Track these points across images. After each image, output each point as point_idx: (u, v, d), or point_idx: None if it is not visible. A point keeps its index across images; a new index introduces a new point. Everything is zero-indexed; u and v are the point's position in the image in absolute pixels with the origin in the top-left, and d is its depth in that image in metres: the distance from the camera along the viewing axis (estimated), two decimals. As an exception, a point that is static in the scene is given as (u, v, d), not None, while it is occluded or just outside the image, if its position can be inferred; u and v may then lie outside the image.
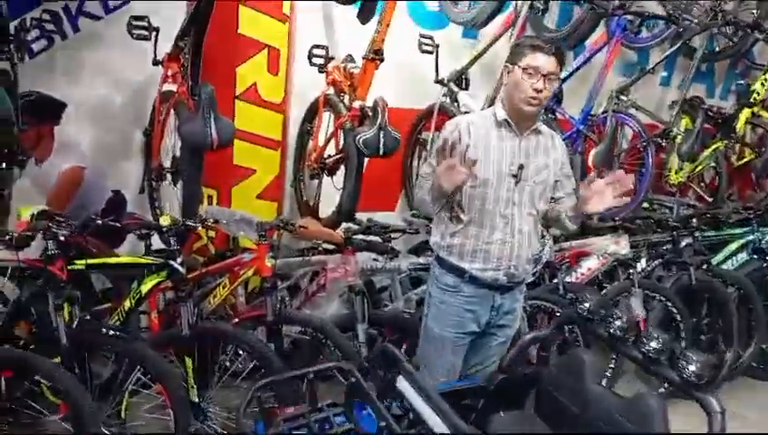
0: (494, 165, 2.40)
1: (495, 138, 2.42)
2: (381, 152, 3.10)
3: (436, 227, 2.58)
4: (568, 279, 3.76)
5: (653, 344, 1.96)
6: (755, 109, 4.54)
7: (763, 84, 4.46)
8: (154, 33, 3.17)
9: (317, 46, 3.58)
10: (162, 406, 2.59)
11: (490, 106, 3.75)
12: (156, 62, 3.26)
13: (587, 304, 2.23)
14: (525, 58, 2.36)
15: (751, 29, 4.31)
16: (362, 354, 2.90)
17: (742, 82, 5.20)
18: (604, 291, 3.87)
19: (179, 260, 2.71)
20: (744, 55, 5.04)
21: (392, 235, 3.43)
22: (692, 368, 1.83)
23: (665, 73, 5.30)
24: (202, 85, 2.83)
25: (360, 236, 3.26)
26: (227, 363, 2.86)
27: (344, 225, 3.38)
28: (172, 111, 3.12)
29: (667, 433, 1.84)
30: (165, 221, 2.54)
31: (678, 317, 3.79)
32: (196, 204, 3.12)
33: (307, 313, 3.11)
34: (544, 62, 2.33)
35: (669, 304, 3.80)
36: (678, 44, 4.31)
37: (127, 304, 2.76)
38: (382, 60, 3.26)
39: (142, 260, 2.72)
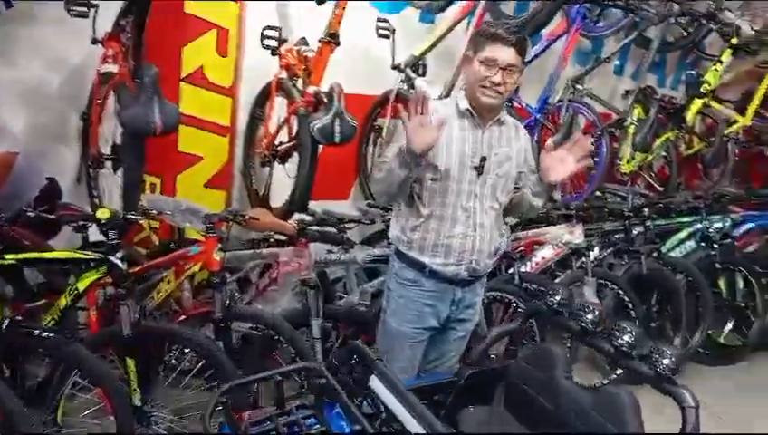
0: (456, 156, 2.31)
1: (458, 128, 2.33)
2: (337, 140, 2.98)
3: (396, 220, 2.49)
4: (523, 269, 3.74)
5: (626, 338, 1.93)
6: (706, 100, 4.59)
7: (713, 75, 4.52)
8: (93, 11, 2.94)
9: (269, 27, 3.41)
10: (103, 410, 2.43)
11: (448, 93, 3.68)
12: (95, 42, 3.03)
13: (557, 297, 2.21)
14: (484, 50, 2.26)
15: (707, 19, 4.35)
16: (317, 351, 2.80)
17: (692, 72, 5.26)
18: (557, 280, 3.87)
19: (120, 255, 2.53)
20: (696, 46, 5.10)
21: (347, 225, 3.33)
22: (666, 362, 1.81)
23: (618, 63, 5.32)
24: (145, 67, 2.64)
25: (315, 227, 3.14)
26: (173, 362, 2.71)
27: (297, 216, 3.24)
28: (112, 93, 2.92)
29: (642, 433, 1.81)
30: (103, 214, 2.36)
31: (630, 305, 3.83)
32: (138, 194, 2.95)
33: (258, 308, 2.98)
34: (503, 54, 2.23)
35: (621, 293, 3.83)
36: (635, 34, 4.32)
37: (62, 301, 2.57)
38: (338, 44, 3.13)
39: (79, 255, 2.53)
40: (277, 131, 3.45)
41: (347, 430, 1.68)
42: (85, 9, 2.90)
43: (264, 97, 3.67)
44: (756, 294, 4.34)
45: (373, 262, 3.20)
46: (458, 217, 2.34)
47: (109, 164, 3.17)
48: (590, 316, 2.08)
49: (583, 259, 3.76)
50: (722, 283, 4.34)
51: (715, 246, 4.35)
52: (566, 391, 2.07)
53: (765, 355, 4.47)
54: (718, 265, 4.32)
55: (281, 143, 3.51)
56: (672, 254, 4.44)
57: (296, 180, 3.22)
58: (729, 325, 4.39)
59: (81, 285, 2.54)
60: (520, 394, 2.24)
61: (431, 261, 2.38)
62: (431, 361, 2.57)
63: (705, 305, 4.14)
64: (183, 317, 2.85)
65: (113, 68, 2.96)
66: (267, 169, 3.66)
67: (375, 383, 1.81)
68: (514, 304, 3.46)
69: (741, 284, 4.40)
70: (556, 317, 2.25)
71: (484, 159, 2.34)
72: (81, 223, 2.68)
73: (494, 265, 2.66)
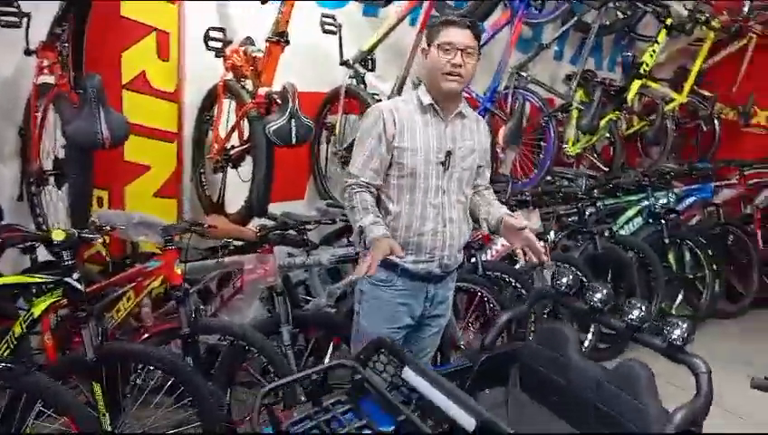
0: (421, 153, 2.30)
1: (421, 123, 2.32)
2: (294, 141, 2.91)
3: (365, 219, 2.46)
4: (483, 257, 3.76)
5: (635, 313, 2.02)
6: (644, 80, 4.74)
7: (651, 56, 4.66)
8: (25, 20, 2.76)
9: (214, 29, 3.30)
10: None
11: (400, 88, 3.66)
12: (28, 52, 2.85)
13: (564, 280, 2.30)
14: (439, 35, 2.28)
15: (643, 2, 4.48)
16: (289, 357, 2.74)
17: (628, 54, 5.41)
18: (518, 265, 3.92)
19: (76, 276, 2.41)
20: (632, 28, 5.24)
21: (307, 226, 3.26)
22: (677, 332, 1.91)
23: (557, 48, 5.42)
24: (87, 76, 2.50)
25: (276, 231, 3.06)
26: (141, 382, 2.60)
27: (258, 220, 3.16)
28: (51, 106, 2.76)
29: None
30: (58, 236, 2.22)
31: (588, 285, 3.91)
32: (88, 209, 2.81)
33: (226, 319, 2.89)
34: (459, 36, 2.25)
35: (579, 274, 3.91)
36: (575, 20, 4.41)
37: (17, 329, 2.42)
38: (288, 42, 3.05)
39: (33, 279, 2.39)
40: (229, 135, 3.35)
41: (385, 421, 1.69)
42: (16, 19, 2.73)
43: (210, 100, 3.56)
44: (704, 265, 4.52)
45: (339, 262, 3.15)
46: (428, 214, 2.33)
47: (52, 180, 3.00)
48: (598, 295, 2.18)
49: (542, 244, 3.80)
50: (671, 256, 4.49)
51: (662, 221, 4.51)
52: (580, 367, 2.17)
53: (714, 324, 4.67)
54: (666, 240, 4.47)
55: (232, 147, 3.42)
56: (622, 232, 4.58)
57: (253, 185, 3.13)
58: (680, 297, 4.56)
59: (37, 311, 2.40)
60: (534, 374, 2.30)
61: (403, 259, 2.36)
62: (408, 356, 2.56)
63: (656, 279, 4.28)
64: (146, 336, 2.74)
65: (50, 79, 2.79)
66: (219, 174, 3.55)
67: (408, 374, 1.84)
68: (479, 294, 3.48)
69: (688, 256, 4.57)
70: (565, 298, 2.34)
71: (449, 153, 2.33)
72: (30, 244, 2.53)
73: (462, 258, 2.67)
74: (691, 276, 4.58)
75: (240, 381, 2.90)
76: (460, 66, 2.25)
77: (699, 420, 1.88)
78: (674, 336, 1.94)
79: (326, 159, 4.04)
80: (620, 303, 2.40)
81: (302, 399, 2.65)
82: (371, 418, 1.74)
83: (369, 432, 1.69)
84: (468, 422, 1.67)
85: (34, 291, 2.45)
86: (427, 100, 2.32)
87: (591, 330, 3.91)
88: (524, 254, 2.33)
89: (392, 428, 1.71)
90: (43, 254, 2.94)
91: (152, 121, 3.41)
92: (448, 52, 2.25)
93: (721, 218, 4.92)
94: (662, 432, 1.81)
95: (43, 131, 2.94)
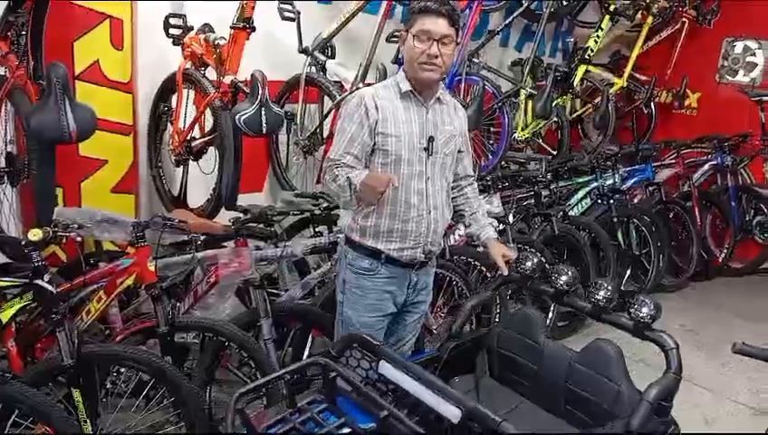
0: (404, 139, 2.30)
1: (402, 109, 2.33)
2: (264, 131, 2.85)
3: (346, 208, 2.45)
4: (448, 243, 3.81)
5: (602, 294, 2.08)
6: (588, 65, 4.90)
7: (595, 42, 4.82)
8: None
9: (173, 15, 3.18)
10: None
11: (364, 76, 3.64)
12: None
13: (529, 263, 2.33)
14: (416, 24, 2.28)
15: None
16: (270, 351, 2.70)
17: (569, 39, 5.58)
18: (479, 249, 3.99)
19: (47, 277, 2.30)
20: (575, 15, 5.40)
21: (275, 218, 3.21)
22: (645, 310, 1.99)
23: (502, 34, 5.51)
24: (52, 66, 2.36)
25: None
26: (121, 385, 2.51)
27: (229, 214, 3.08)
28: (5, 100, 2.60)
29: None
30: (35, 235, 2.11)
31: (546, 266, 4.04)
32: (52, 207, 2.66)
33: (201, 316, 2.81)
34: (435, 25, 2.24)
35: (539, 255, 4.02)
36: (524, 7, 4.50)
37: (-18, 338, 2.29)
38: (254, 29, 2.98)
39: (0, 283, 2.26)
40: (191, 126, 3.25)
41: (363, 419, 1.67)
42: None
43: (167, 91, 3.44)
44: (649, 241, 4.75)
45: (313, 252, 3.12)
46: (411, 201, 2.34)
47: (6, 178, 2.83)
48: (564, 278, 2.22)
49: (503, 227, 3.90)
50: (619, 235, 4.69)
51: (610, 201, 4.70)
52: (549, 350, 2.20)
53: (659, 298, 4.90)
54: (615, 219, 4.66)
55: (193, 139, 3.32)
56: (573, 212, 4.74)
57: (222, 176, 3.06)
58: (627, 273, 4.76)
59: (5, 316, 2.28)
60: (502, 359, 2.35)
61: (387, 247, 2.37)
62: (389, 346, 2.57)
63: (607, 258, 4.46)
64: (120, 336, 2.64)
65: (3, 71, 2.63)
66: (180, 168, 3.44)
67: (385, 368, 1.84)
68: (448, 278, 3.53)
69: (635, 234, 4.78)
70: (531, 282, 2.38)
71: (431, 139, 2.35)
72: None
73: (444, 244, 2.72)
74: (637, 253, 4.79)
75: (218, 379, 2.83)
76: (436, 57, 2.25)
77: (672, 395, 1.95)
78: (641, 314, 2.01)
79: (286, 149, 3.97)
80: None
81: (285, 392, 2.62)
82: (349, 415, 1.72)
83: (349, 431, 1.66)
84: (453, 413, 1.68)
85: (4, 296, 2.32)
86: (405, 86, 2.33)
87: (552, 310, 4.04)
88: (507, 263, 2.49)
89: (371, 425, 1.68)
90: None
91: (107, 114, 3.25)
92: (424, 42, 2.25)
93: (662, 197, 5.16)
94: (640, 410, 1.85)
95: (-6, 127, 2.77)
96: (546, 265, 2.46)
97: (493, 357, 2.40)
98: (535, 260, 2.38)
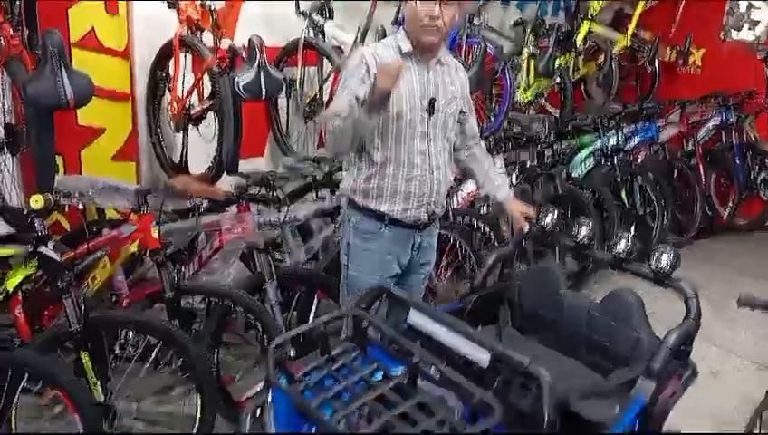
0: (406, 99, 2.28)
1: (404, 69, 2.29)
2: (264, 96, 2.84)
3: (348, 170, 2.44)
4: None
5: (622, 246, 2.10)
6: (591, 23, 4.82)
7: (598, 0, 4.73)
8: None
9: (169, -21, 3.12)
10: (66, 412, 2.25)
11: (363, 38, 3.59)
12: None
13: (549, 218, 2.40)
14: None
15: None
16: (276, 314, 2.72)
17: (571, -2, 5.48)
18: (482, 211, 3.99)
19: (51, 245, 2.31)
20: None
21: (276, 183, 3.20)
22: (665, 260, 2.04)
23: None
24: (46, 33, 2.33)
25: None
26: (130, 350, 2.54)
27: (233, 179, 3.08)
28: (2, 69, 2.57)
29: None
30: (37, 202, 2.11)
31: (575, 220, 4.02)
32: (53, 173, 2.66)
33: (208, 281, 2.83)
34: None
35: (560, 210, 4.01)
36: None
37: (-11, 306, 2.31)
38: (249, -8, 2.93)
39: (6, 251, 2.27)
40: (190, 92, 3.22)
41: (394, 365, 1.71)
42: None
43: (164, 57, 3.39)
44: (653, 200, 4.73)
45: (316, 216, 3.12)
46: (414, 161, 2.33)
47: (6, 148, 2.82)
48: (584, 230, 2.26)
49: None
50: (623, 194, 4.67)
51: (614, 160, 4.67)
52: (570, 301, 2.23)
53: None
54: (618, 178, 4.64)
55: (192, 105, 3.29)
56: (576, 172, 4.72)
57: (223, 142, 3.04)
58: (631, 232, 4.74)
59: (11, 284, 2.30)
60: (524, 311, 2.40)
61: (390, 208, 2.37)
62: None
63: (611, 217, 4.45)
64: (127, 302, 2.66)
65: (-3, 41, 2.59)
66: (180, 134, 3.42)
67: (415, 318, 1.87)
68: (452, 240, 3.54)
69: (638, 193, 4.76)
70: (552, 237, 2.41)
71: (433, 99, 2.32)
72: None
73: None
74: (642, 212, 4.77)
75: (226, 342, 2.85)
76: (437, 18, 2.20)
77: (691, 339, 2.02)
78: (662, 264, 2.07)
79: (286, 113, 3.94)
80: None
81: (292, 354, 2.65)
82: (381, 362, 1.75)
83: (382, 376, 1.69)
84: (482, 358, 1.72)
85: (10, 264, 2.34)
86: (406, 47, 2.29)
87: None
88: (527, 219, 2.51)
89: (402, 369, 1.72)
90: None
91: (105, 82, 3.22)
92: (426, 2, 2.21)
93: (666, 156, 5.12)
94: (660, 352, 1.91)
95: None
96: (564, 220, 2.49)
97: (514, 309, 2.43)
98: (555, 214, 2.40)
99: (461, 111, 2.49)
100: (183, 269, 2.90)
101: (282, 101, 3.92)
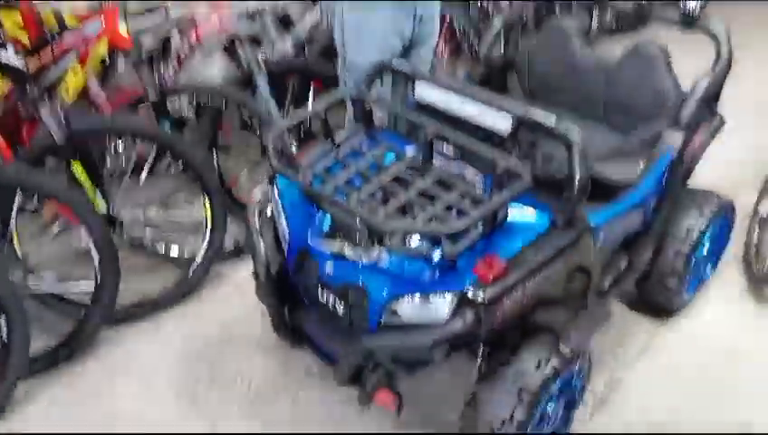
0: None
1: None
2: None
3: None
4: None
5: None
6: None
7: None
8: None
9: None
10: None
11: None
12: None
13: None
14: None
15: None
16: (272, 108, 2.55)
17: None
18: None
19: (11, 50, 2.07)
20: None
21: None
22: (691, 5, 1.91)
23: None
24: None
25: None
26: (123, 162, 2.41)
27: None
28: None
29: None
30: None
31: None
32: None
33: (188, 79, 2.61)
34: None
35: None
36: None
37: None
38: None
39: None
40: None
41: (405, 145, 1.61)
42: None
43: None
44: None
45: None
46: None
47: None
48: None
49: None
50: None
51: None
52: (587, 61, 2.08)
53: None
54: None
55: None
56: None
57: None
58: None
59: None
60: (537, 76, 2.23)
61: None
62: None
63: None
64: (107, 111, 2.46)
65: None
66: None
67: (422, 90, 1.72)
68: (448, 18, 3.25)
69: None
70: None
71: None
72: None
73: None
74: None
75: (222, 145, 2.70)
76: None
77: (720, 87, 1.89)
78: (689, 8, 1.92)
79: None
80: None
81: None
82: (392, 142, 1.66)
83: (395, 158, 1.60)
84: (503, 125, 1.58)
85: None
86: None
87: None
88: None
89: (414, 148, 1.63)
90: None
91: None
92: None
93: None
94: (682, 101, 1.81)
95: None
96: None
97: (525, 76, 2.27)
98: None
99: None
100: (162, 71, 2.66)
101: None
